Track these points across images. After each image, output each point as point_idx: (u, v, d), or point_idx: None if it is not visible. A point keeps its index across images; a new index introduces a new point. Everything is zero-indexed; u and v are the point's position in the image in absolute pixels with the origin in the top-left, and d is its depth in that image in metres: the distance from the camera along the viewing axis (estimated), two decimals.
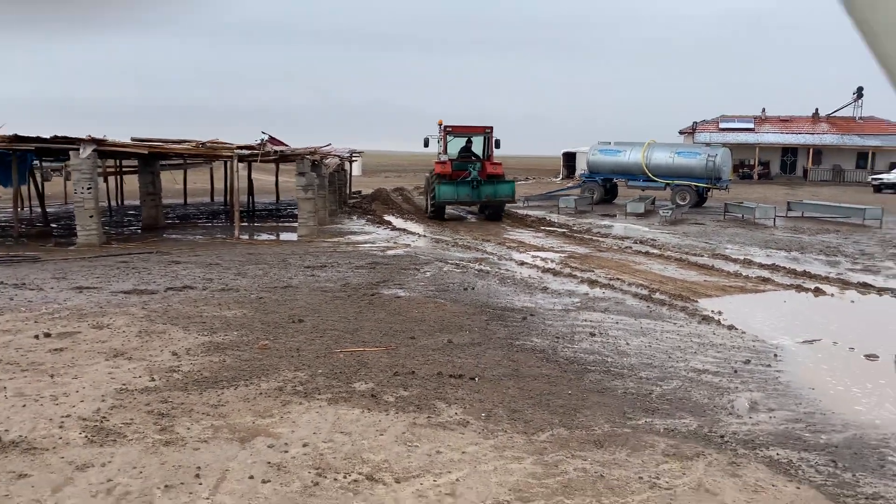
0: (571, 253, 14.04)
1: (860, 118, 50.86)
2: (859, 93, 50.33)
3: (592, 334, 7.60)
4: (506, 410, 5.22)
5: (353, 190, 30.57)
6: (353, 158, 32.05)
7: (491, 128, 21.03)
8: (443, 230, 18.01)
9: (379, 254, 13.37)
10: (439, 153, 20.70)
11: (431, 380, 5.86)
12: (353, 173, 34.44)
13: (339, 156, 23.10)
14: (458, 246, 14.76)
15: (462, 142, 21.36)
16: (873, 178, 41.29)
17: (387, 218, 20.86)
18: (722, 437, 4.88)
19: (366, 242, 15.18)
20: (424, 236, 16.63)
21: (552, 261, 12.84)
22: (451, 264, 12.15)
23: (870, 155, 48.55)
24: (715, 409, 5.47)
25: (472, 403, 5.35)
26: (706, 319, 8.47)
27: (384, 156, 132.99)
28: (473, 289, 9.94)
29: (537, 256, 13.42)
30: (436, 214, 20.56)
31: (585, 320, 8.25)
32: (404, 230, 17.78)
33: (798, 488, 4.12)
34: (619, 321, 8.26)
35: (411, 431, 4.80)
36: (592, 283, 10.67)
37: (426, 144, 20.70)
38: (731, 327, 8.11)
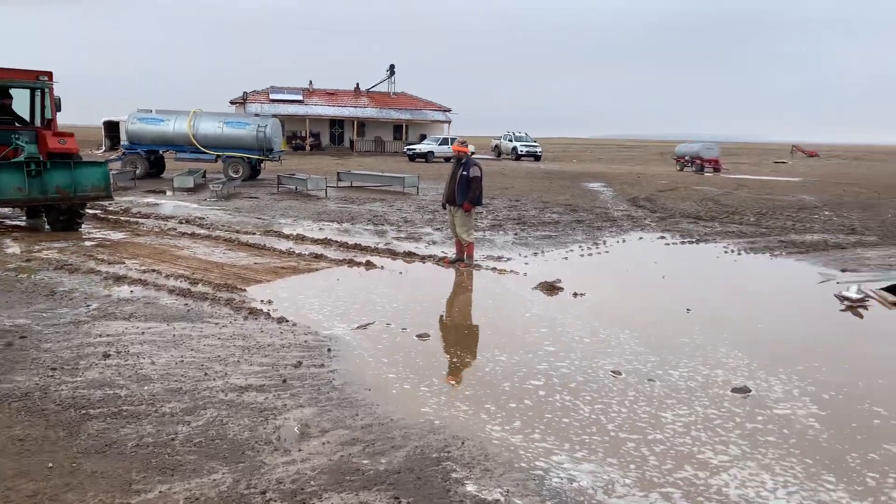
0: (101, 241, 11.64)
1: (394, 93, 56.03)
2: (392, 70, 55.34)
3: (107, 355, 5.80)
4: None
5: None
6: None
7: (48, 74, 13.00)
8: None
9: None
10: None
11: None
12: None
13: None
14: None
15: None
16: (407, 149, 45.86)
17: None
18: (264, 493, 3.70)
19: None
20: None
21: (70, 252, 10.35)
22: None
23: (404, 127, 53.88)
24: (257, 445, 4.28)
25: None
26: (254, 313, 7.32)
27: None
28: None
29: (45, 247, 10.73)
30: None
31: (101, 335, 6.37)
32: None
33: None
34: (146, 330, 6.58)
35: None
36: (119, 279, 8.67)
37: None
38: (281, 320, 7.10)
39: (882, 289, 9.11)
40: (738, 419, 4.96)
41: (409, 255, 11.04)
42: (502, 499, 3.75)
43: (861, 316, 8.30)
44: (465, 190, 10.36)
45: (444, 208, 10.97)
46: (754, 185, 30.97)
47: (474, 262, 10.52)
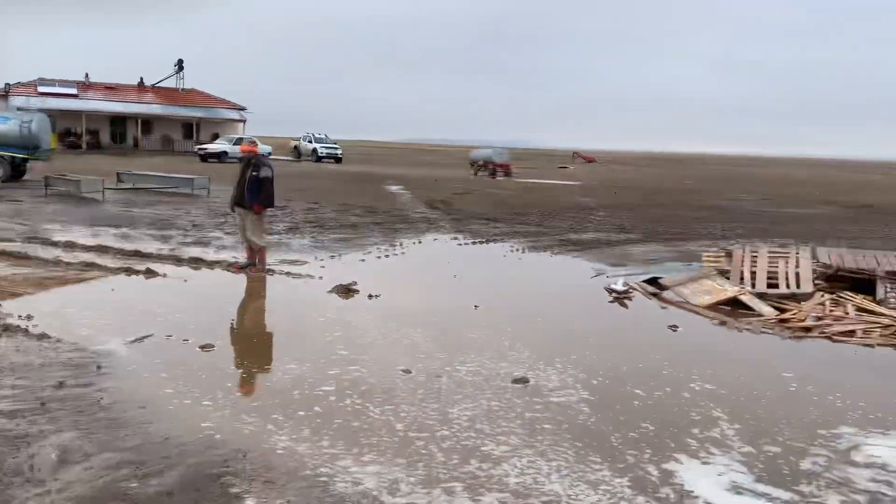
0: None
1: (183, 90, 53.02)
2: (180, 65, 52.34)
3: None
4: None
5: None
6: None
7: None
8: None
9: None
10: None
11: None
12: None
13: None
14: None
15: None
16: (199, 148, 43.58)
17: None
18: None
19: None
20: None
21: None
22: None
23: (195, 125, 51.15)
24: (6, 478, 3.80)
25: None
26: (9, 330, 6.51)
27: None
28: None
29: None
30: None
31: None
32: None
33: None
34: None
35: None
36: None
37: None
38: (42, 336, 6.38)
39: (643, 281, 10.13)
40: (518, 409, 5.24)
41: (196, 262, 10.46)
42: None
43: (626, 306, 9.17)
44: (255, 191, 10.00)
45: (233, 211, 10.52)
46: (540, 188, 33.18)
47: (267, 267, 10.20)
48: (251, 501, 3.71)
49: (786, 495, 4.10)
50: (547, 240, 14.92)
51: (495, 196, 26.16)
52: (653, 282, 10.08)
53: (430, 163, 66.10)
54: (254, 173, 10.00)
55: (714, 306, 9.02)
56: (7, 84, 44.43)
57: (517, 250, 13.44)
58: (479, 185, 33.20)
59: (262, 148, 43.71)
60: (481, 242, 14.23)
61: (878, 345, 7.61)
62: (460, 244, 13.98)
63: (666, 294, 9.61)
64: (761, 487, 4.19)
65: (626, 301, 9.35)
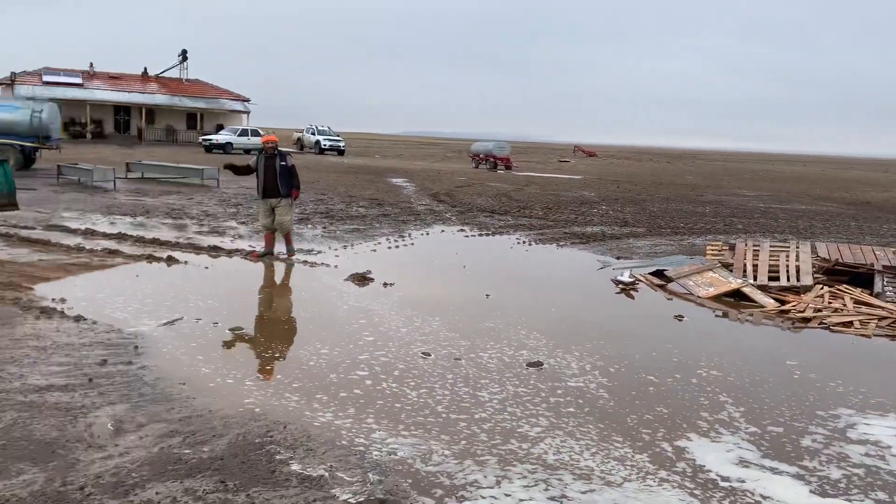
0: None
1: (187, 80, 53.16)
2: (184, 55, 52.45)
3: None
4: None
5: None
6: None
7: None
8: None
9: None
10: None
11: None
12: None
13: None
14: None
15: None
16: (203, 139, 43.75)
17: None
18: (82, 488, 3.61)
19: None
20: None
21: None
22: None
23: (199, 116, 51.29)
24: (69, 444, 4.12)
25: None
26: (46, 312, 6.83)
27: None
28: None
29: None
30: None
31: None
32: None
33: None
34: None
35: None
36: None
37: None
38: (79, 318, 6.70)
39: (649, 273, 10.45)
40: (543, 394, 5.53)
41: (215, 250, 10.77)
42: (326, 473, 3.96)
43: (632, 297, 9.49)
44: (287, 180, 10.43)
45: (263, 199, 10.62)
46: (542, 182, 33.46)
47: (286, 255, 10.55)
48: (295, 466, 4.03)
49: (791, 469, 4.44)
50: (552, 232, 15.23)
51: (498, 189, 26.45)
52: (658, 274, 10.40)
53: (431, 155, 66.33)
54: (282, 163, 10.43)
55: (717, 297, 9.35)
56: (13, 73, 44.56)
57: (523, 242, 13.75)
58: (481, 178, 33.48)
59: None
60: (488, 234, 14.54)
61: (875, 335, 7.94)
62: (467, 236, 14.29)
63: (671, 286, 9.93)
64: (767, 462, 4.52)
65: (632, 292, 9.67)
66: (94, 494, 3.56)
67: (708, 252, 11.43)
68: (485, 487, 3.96)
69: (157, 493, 3.61)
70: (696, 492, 4.09)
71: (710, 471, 4.36)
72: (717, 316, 8.73)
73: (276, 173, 10.39)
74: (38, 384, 5.00)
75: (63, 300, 7.32)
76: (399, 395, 5.29)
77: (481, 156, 45.61)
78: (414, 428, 4.69)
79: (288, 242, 10.74)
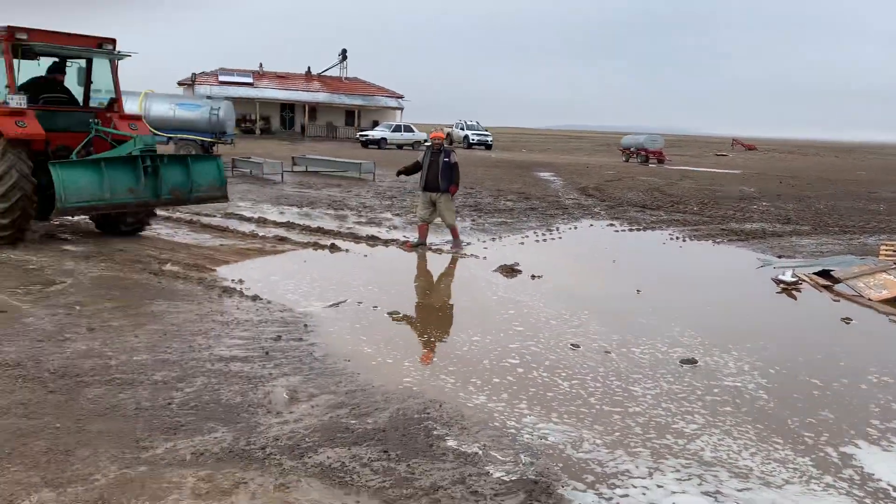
0: (62, 220, 11.57)
1: (346, 78, 55.74)
2: (344, 55, 55.08)
3: (91, 329, 5.99)
4: None
5: None
6: None
7: (112, 41, 10.30)
8: None
9: None
10: (9, 97, 9.08)
11: None
12: None
13: None
14: None
15: (38, 68, 10.39)
16: (360, 135, 45.80)
17: None
18: (263, 448, 4.02)
19: None
20: None
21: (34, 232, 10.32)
22: None
23: (356, 113, 53.68)
24: (251, 408, 4.59)
25: None
26: (227, 291, 7.55)
27: None
28: None
29: None
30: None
31: (81, 310, 6.53)
32: None
33: (358, 502, 3.52)
34: (123, 306, 6.75)
35: None
36: (88, 257, 8.77)
37: None
38: (255, 298, 7.35)
39: (814, 273, 9.84)
40: (699, 392, 5.43)
41: (372, 239, 11.35)
42: (480, 452, 4.15)
43: (795, 298, 8.99)
44: (449, 176, 10.83)
45: (423, 192, 11.10)
46: (697, 176, 32.11)
47: (434, 246, 10.93)
48: (451, 442, 4.25)
49: None
50: (707, 229, 14.66)
51: (650, 183, 25.72)
52: (824, 274, 9.77)
53: (579, 149, 65.43)
54: (445, 159, 10.84)
55: (891, 301, 8.65)
56: (193, 74, 48.85)
57: (676, 238, 13.35)
58: (632, 172, 32.66)
59: (418, 135, 45.40)
60: (639, 229, 14.24)
61: None
62: (617, 231, 14.07)
63: (838, 287, 9.31)
64: None
65: (794, 292, 9.16)
66: (273, 455, 3.96)
67: (881, 252, 10.57)
68: (636, 477, 3.98)
69: (327, 458, 3.95)
70: (867, 500, 3.89)
71: (881, 480, 4.12)
72: (891, 320, 8.09)
73: (438, 168, 10.82)
74: (223, 355, 5.57)
75: (241, 281, 8.04)
76: (550, 384, 5.39)
77: (632, 149, 44.46)
78: (567, 416, 4.78)
79: (454, 236, 11.12)
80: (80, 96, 10.63)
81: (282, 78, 53.92)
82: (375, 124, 49.72)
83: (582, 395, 5.21)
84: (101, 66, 10.58)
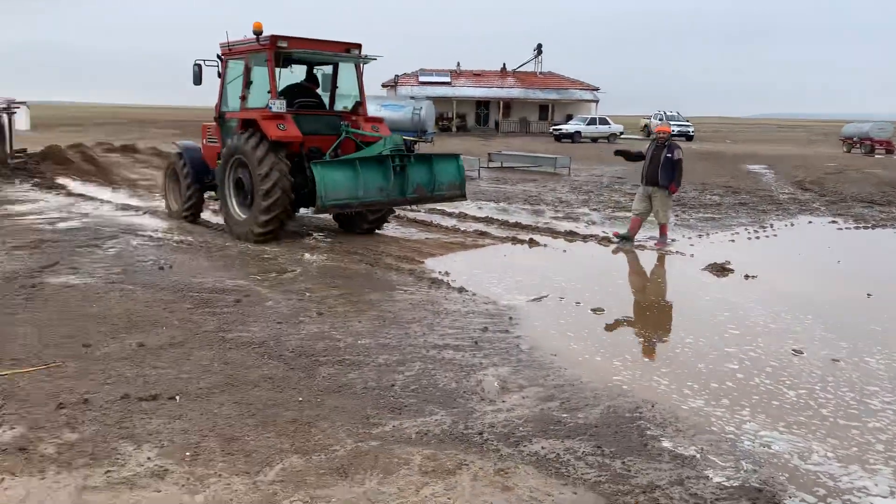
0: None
1: (540, 73, 55.82)
2: (539, 49, 55.18)
3: (320, 313, 6.58)
4: (220, 441, 4.00)
5: (15, 148, 25.54)
6: (12, 110, 26.81)
7: (358, 46, 10.88)
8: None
9: (47, 227, 10.83)
10: (272, 102, 9.81)
11: (114, 408, 4.38)
12: (19, 128, 28.87)
13: None
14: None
15: (294, 75, 11.18)
16: (554, 129, 45.68)
17: (60, 181, 17.49)
18: (480, 433, 4.21)
19: (30, 213, 12.31)
20: (110, 202, 14.03)
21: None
22: (144, 237, 10.22)
23: (550, 107, 53.62)
24: (465, 395, 4.81)
25: (173, 438, 4.03)
26: (436, 283, 7.92)
27: (58, 108, 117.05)
28: (171, 267, 8.28)
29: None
30: (267, 234, 9.80)
31: (309, 296, 7.20)
32: (83, 195, 14.93)
33: (575, 493, 3.58)
34: (345, 294, 7.34)
35: (81, 502, 3.38)
36: (312, 249, 9.63)
37: (198, 79, 10.71)
38: (461, 290, 7.65)
39: None
40: None
41: (571, 234, 11.33)
42: (698, 455, 4.04)
43: None
44: (669, 172, 10.56)
45: (644, 184, 10.94)
46: None
47: (638, 242, 10.68)
48: (667, 443, 4.17)
49: None
50: None
51: (878, 177, 23.16)
52: None
53: (792, 139, 60.44)
54: (668, 154, 10.58)
55: None
56: (396, 75, 51.49)
57: None
58: (856, 163, 29.59)
59: (614, 127, 44.40)
60: (866, 227, 12.92)
61: None
62: (840, 228, 12.87)
63: None
64: None
65: None
66: (490, 440, 4.13)
67: None
68: (875, 495, 3.67)
69: (542, 448, 4.05)
70: None
71: None
72: None
73: (659, 163, 10.56)
74: (436, 342, 5.88)
75: (447, 273, 8.40)
76: (775, 392, 5.09)
77: (855, 139, 40.31)
78: (795, 427, 4.49)
79: (662, 233, 10.83)
80: (326, 100, 11.33)
81: (477, 76, 55.16)
82: (569, 118, 49.34)
83: (811, 405, 4.87)
84: (345, 71, 11.21)
